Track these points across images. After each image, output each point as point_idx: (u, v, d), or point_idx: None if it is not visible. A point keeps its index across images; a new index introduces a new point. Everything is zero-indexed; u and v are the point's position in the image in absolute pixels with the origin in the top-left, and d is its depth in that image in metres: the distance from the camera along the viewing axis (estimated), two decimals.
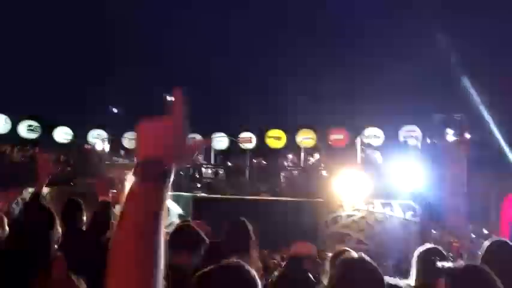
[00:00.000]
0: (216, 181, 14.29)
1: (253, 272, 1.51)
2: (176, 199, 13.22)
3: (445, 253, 2.91)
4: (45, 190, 15.01)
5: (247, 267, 1.52)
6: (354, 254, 1.90)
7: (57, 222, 2.66)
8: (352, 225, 11.66)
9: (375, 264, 1.85)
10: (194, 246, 2.85)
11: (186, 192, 13.34)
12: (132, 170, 0.99)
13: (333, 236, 11.62)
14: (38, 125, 17.77)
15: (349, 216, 11.71)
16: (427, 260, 2.56)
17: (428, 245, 3.08)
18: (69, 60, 19.70)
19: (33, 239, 2.48)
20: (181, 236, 2.98)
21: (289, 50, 20.71)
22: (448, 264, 1.88)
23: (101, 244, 2.96)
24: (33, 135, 17.56)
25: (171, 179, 1.01)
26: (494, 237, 3.46)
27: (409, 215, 11.30)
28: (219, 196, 12.91)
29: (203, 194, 13.29)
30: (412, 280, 2.64)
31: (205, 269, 1.52)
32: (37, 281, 2.31)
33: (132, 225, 0.93)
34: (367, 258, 1.87)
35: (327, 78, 20.66)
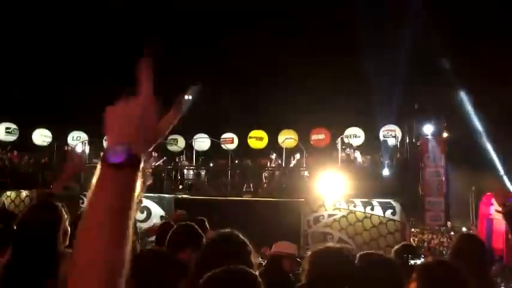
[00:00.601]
0: (198, 182, 14.26)
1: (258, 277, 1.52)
2: (158, 200, 13.18)
3: (419, 250, 3.02)
4: (24, 193, 14.74)
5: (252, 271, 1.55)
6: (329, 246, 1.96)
7: (66, 221, 2.65)
8: (333, 224, 11.79)
9: (346, 253, 1.92)
10: (196, 244, 2.95)
11: (168, 193, 13.30)
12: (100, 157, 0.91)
13: (315, 235, 11.72)
14: (16, 127, 17.47)
15: (330, 215, 11.84)
16: (402, 257, 2.66)
17: (404, 243, 3.19)
18: (47, 61, 19.43)
19: (40, 238, 2.49)
20: (184, 235, 3.07)
21: (271, 51, 20.80)
22: (419, 261, 1.98)
23: None
24: (11, 138, 17.25)
25: (141, 165, 0.91)
26: (464, 231, 3.57)
27: (388, 213, 11.47)
28: (201, 197, 12.89)
29: (185, 196, 13.26)
30: None
31: (213, 272, 1.50)
32: (47, 281, 2.30)
33: (95, 216, 0.87)
34: (339, 247, 1.95)
35: (308, 81, 20.87)
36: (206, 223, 4.81)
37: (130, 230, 0.90)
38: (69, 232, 2.64)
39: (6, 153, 15.71)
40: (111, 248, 0.86)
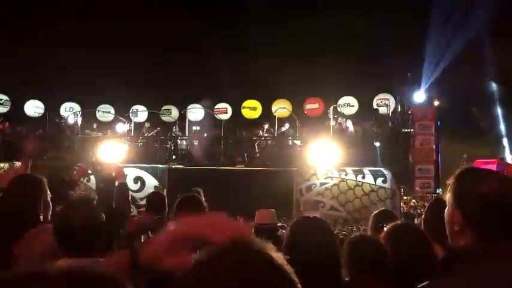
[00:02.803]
0: (191, 152, 14.33)
1: None
2: (152, 171, 13.28)
3: (396, 215, 3.14)
4: (18, 165, 14.77)
5: None
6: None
7: (47, 192, 2.72)
8: (325, 192, 11.97)
9: (324, 220, 2.02)
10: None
11: (162, 164, 13.39)
12: None
13: (307, 204, 11.91)
14: (8, 98, 17.34)
15: (322, 184, 12.00)
16: (379, 220, 2.81)
17: (382, 209, 3.33)
18: (41, 30, 19.10)
19: (21, 205, 2.57)
20: (188, 205, 3.16)
21: (265, 21, 20.53)
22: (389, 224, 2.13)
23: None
24: (3, 109, 17.15)
25: None
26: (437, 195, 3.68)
27: (379, 181, 11.64)
28: (194, 167, 12.98)
29: (179, 166, 13.35)
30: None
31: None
32: (18, 248, 2.38)
33: None
34: (319, 216, 2.04)
35: (302, 51, 20.70)
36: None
37: None
38: (51, 207, 2.70)
39: None
40: None
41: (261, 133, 15.15)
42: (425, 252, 1.93)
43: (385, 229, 2.11)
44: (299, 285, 0.78)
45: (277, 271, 0.76)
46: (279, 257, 0.79)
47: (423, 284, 1.27)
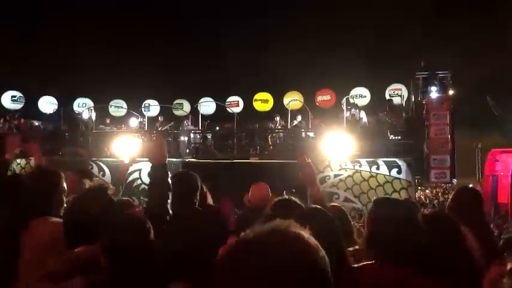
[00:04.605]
0: (204, 146, 14.37)
1: None
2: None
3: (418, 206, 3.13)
4: (34, 161, 14.85)
5: None
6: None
7: (64, 185, 2.72)
8: (339, 184, 11.92)
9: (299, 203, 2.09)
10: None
11: (175, 158, 13.44)
12: None
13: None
14: (22, 95, 17.52)
15: (336, 175, 11.96)
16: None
17: (384, 196, 3.34)
18: (53, 28, 19.25)
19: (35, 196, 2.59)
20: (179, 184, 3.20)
21: (276, 13, 20.44)
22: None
23: None
24: (17, 106, 17.34)
25: None
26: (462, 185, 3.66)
27: (394, 172, 11.56)
28: (207, 160, 13.02)
29: (192, 159, 13.39)
30: None
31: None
32: (25, 236, 2.41)
33: None
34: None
35: (313, 42, 20.57)
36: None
37: None
38: (63, 203, 2.70)
39: (14, 121, 15.82)
40: None
41: (273, 126, 15.13)
42: (459, 240, 1.89)
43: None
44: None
45: (313, 248, 0.88)
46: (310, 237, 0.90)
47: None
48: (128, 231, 1.97)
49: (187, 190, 3.10)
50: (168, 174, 2.54)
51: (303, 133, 13.62)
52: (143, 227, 2.02)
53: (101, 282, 1.89)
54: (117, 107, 17.48)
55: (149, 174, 2.53)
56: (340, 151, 11.20)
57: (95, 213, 2.19)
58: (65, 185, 2.74)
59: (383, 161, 11.61)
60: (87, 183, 3.90)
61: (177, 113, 17.68)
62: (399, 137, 12.26)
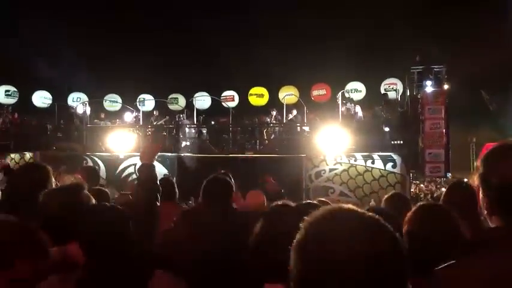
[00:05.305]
0: (199, 140, 14.35)
1: None
2: (161, 159, 13.31)
3: (408, 198, 3.19)
4: (28, 155, 14.89)
5: None
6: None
7: (52, 181, 2.70)
8: (335, 178, 11.96)
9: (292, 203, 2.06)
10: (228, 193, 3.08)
11: (171, 152, 13.42)
12: None
13: (317, 190, 11.91)
14: (15, 89, 17.40)
15: (331, 170, 11.99)
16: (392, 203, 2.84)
17: (393, 192, 3.36)
18: (47, 22, 19.11)
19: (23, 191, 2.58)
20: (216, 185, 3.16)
21: (272, 7, 20.38)
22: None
23: None
24: (11, 100, 17.22)
25: None
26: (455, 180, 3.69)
27: (389, 166, 11.60)
28: (203, 155, 13.00)
29: (188, 154, 13.37)
30: None
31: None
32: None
33: None
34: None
35: (308, 36, 20.54)
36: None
37: None
38: None
39: (8, 116, 15.73)
40: None
41: (268, 120, 15.12)
42: (454, 233, 1.88)
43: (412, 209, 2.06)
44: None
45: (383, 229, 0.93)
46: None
47: (447, 263, 1.24)
48: (105, 224, 1.95)
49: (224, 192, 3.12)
50: (154, 173, 2.76)
51: (298, 127, 13.62)
52: (120, 219, 2.00)
53: (82, 280, 1.87)
54: (112, 102, 17.41)
55: (138, 170, 2.79)
56: (335, 145, 11.23)
57: (62, 215, 2.13)
58: (53, 180, 2.73)
59: (378, 155, 11.65)
60: (68, 180, 3.84)
61: (172, 107, 17.63)
62: (394, 131, 12.30)
